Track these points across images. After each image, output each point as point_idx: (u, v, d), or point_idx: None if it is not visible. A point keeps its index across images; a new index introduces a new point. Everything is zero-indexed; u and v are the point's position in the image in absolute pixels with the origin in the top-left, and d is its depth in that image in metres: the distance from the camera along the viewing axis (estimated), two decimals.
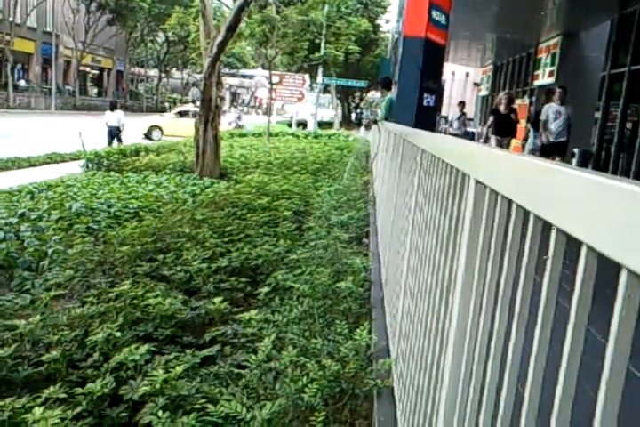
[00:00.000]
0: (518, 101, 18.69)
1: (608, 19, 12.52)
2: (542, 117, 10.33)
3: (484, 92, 24.54)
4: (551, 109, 10.19)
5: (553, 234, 0.78)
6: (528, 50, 17.92)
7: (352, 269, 3.71)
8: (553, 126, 10.11)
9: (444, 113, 24.92)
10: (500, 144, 10.85)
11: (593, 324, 0.73)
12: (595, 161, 12.27)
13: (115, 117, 15.44)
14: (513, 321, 0.94)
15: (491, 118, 11.22)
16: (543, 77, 16.49)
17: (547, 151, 10.22)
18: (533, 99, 17.29)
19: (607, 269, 0.66)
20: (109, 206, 6.46)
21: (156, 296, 3.37)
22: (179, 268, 4.13)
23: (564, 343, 0.70)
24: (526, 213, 0.92)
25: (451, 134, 14.03)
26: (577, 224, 0.68)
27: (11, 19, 35.00)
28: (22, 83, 39.54)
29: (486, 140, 11.41)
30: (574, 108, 14.27)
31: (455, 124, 15.95)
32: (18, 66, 39.26)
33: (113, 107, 15.90)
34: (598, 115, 12.78)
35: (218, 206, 6.28)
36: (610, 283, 0.60)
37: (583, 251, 0.67)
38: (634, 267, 0.53)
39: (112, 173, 9.50)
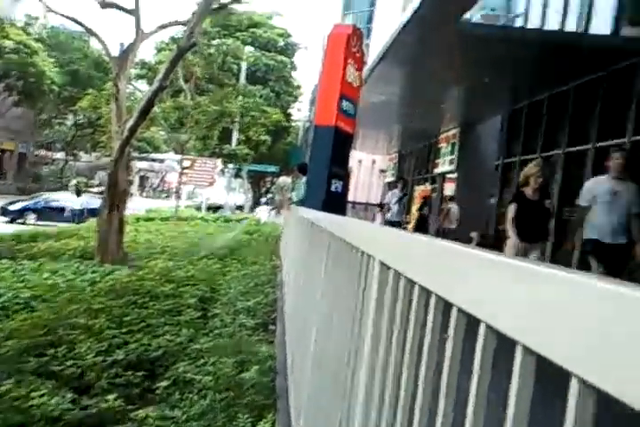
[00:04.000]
0: (421, 187, 19.61)
1: (499, 113, 13.63)
2: (582, 202, 5.83)
3: (389, 179, 25.63)
4: (601, 187, 5.71)
5: (453, 313, 0.81)
6: (430, 139, 19.09)
7: (257, 357, 3.55)
8: (603, 217, 5.60)
9: (351, 198, 25.37)
10: (524, 254, 6.09)
11: (492, 402, 0.74)
12: (494, 245, 12.83)
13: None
14: (417, 397, 0.95)
15: (511, 209, 6.32)
16: (444, 165, 17.49)
17: (597, 255, 5.63)
18: (436, 185, 18.21)
19: (506, 347, 0.66)
20: None
21: (41, 396, 3.07)
22: (70, 362, 3.81)
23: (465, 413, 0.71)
24: (428, 293, 0.94)
25: (390, 223, 11.97)
26: (474, 303, 0.71)
27: None
28: None
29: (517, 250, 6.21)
30: (472, 195, 15.12)
31: (395, 209, 12.52)
32: None
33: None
34: (494, 201, 13.56)
35: (118, 295, 5.97)
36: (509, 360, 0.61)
37: (482, 329, 0.69)
38: (527, 343, 0.56)
39: (3, 261, 8.90)
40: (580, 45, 9.03)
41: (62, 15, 10.70)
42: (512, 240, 6.19)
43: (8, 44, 33.77)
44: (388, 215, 12.53)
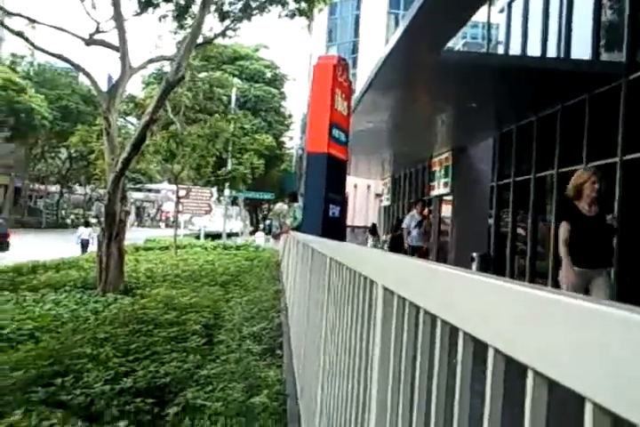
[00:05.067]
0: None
1: (490, 136, 13.82)
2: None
3: (385, 203, 25.74)
4: None
5: (460, 337, 0.80)
6: (423, 163, 19.25)
7: (266, 382, 3.59)
8: None
9: (349, 222, 25.34)
10: (585, 288, 4.98)
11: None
12: (493, 264, 12.90)
13: (87, 232, 20.49)
14: (430, 422, 0.94)
15: (563, 229, 5.08)
16: (439, 188, 17.61)
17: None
18: (432, 208, 18.31)
19: (516, 370, 0.66)
20: (0, 329, 5.99)
21: (51, 425, 3.10)
22: (78, 391, 3.82)
23: None
24: (434, 318, 0.94)
25: (412, 249, 11.31)
26: (481, 327, 0.71)
27: None
28: None
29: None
30: (469, 217, 15.22)
31: (415, 233, 11.37)
32: None
33: (87, 224, 22.35)
34: (491, 221, 13.67)
35: (122, 323, 5.99)
36: (520, 383, 0.62)
37: (490, 353, 0.69)
38: (539, 368, 0.55)
39: (5, 293, 8.91)
40: (563, 70, 9.25)
41: (48, 53, 10.81)
42: (565, 268, 5.02)
43: None
44: (409, 240, 11.43)
